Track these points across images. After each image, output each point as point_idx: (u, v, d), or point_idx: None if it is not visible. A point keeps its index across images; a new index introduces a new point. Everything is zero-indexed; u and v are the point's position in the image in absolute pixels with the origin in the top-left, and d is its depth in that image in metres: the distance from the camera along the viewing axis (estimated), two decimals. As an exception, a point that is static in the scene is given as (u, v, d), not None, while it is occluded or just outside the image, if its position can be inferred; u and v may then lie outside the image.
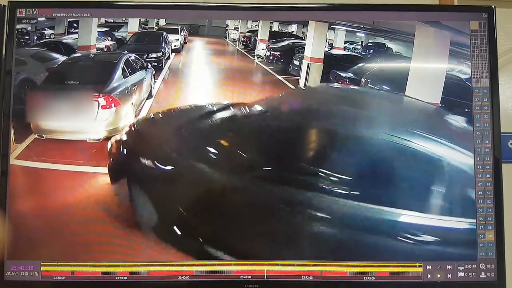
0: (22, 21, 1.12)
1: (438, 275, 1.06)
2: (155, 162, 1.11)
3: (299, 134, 1.12)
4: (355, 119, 1.14)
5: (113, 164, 1.15)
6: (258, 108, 1.18)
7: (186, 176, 1.11)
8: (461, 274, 1.06)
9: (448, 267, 1.06)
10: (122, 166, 1.16)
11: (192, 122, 1.19)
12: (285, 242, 1.07)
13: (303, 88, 1.29)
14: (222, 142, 1.15)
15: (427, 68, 1.16)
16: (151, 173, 1.12)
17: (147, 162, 1.12)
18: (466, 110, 1.09)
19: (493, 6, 1.13)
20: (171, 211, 1.11)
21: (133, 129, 1.18)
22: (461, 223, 1.06)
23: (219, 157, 1.12)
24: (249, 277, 1.06)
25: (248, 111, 1.18)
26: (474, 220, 1.06)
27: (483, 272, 1.06)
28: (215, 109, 1.18)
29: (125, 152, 1.15)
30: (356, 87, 1.22)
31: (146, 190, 1.13)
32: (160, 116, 1.24)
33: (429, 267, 1.06)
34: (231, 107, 1.18)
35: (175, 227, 1.09)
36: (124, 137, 1.16)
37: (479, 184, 1.07)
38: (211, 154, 1.12)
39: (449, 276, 1.06)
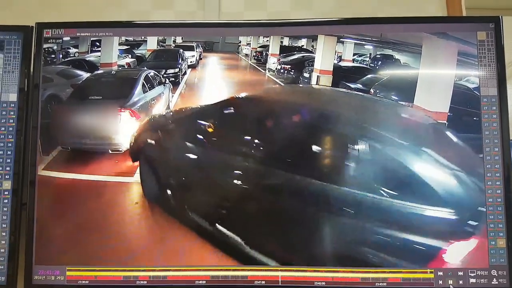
0: (49, 41, 1.20)
1: (450, 282, 1.06)
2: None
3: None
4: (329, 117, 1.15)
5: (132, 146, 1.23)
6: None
7: (198, 182, 1.19)
8: (472, 280, 1.06)
9: (459, 273, 1.06)
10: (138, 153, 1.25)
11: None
12: (298, 248, 1.10)
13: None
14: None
15: (435, 78, 1.17)
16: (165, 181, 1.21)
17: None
18: (474, 118, 1.11)
19: (500, 16, 1.14)
20: (188, 218, 1.17)
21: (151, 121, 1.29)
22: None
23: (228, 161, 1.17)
24: (263, 282, 1.09)
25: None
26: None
27: (495, 279, 1.06)
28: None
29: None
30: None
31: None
32: (171, 113, 1.35)
33: (440, 273, 1.06)
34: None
35: (193, 232, 1.15)
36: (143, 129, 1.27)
37: (489, 191, 1.08)
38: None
39: (460, 282, 1.06)
